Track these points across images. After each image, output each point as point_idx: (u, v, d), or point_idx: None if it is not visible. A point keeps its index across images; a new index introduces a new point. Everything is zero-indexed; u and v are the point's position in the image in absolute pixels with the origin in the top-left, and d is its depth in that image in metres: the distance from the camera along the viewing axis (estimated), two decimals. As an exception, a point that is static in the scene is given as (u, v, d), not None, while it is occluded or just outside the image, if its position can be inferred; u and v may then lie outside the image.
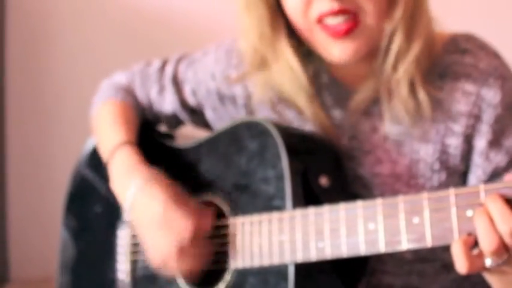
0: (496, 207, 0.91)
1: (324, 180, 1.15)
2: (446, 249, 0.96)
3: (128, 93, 1.39)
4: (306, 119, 1.22)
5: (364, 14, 1.09)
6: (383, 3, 1.09)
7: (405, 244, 1.00)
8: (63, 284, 1.43)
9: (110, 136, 1.32)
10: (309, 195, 1.13)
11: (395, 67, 1.12)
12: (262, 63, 1.19)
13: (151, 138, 1.38)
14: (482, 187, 0.94)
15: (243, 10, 1.17)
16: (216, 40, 1.34)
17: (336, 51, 1.11)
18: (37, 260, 2.55)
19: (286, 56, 1.16)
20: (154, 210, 1.19)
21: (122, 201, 1.25)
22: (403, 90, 1.13)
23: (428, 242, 0.98)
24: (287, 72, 1.17)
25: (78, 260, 1.41)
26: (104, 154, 1.32)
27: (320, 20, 1.09)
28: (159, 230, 1.19)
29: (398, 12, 1.10)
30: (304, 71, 1.18)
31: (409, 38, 1.11)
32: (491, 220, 0.91)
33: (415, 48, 1.11)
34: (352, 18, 1.08)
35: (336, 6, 1.07)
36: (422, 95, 1.13)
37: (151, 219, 1.20)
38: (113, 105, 1.38)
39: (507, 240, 0.91)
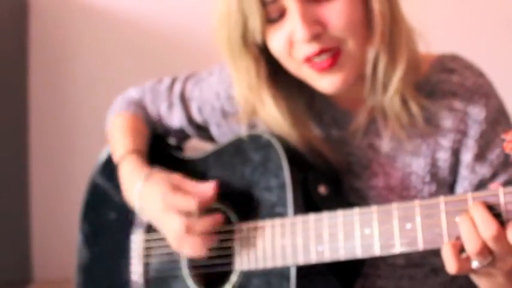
0: (479, 214, 0.91)
1: (322, 189, 1.15)
2: (435, 254, 0.96)
3: (139, 107, 1.40)
4: None
5: (345, 44, 1.07)
6: (361, 30, 1.07)
7: (398, 248, 1.00)
8: (81, 284, 1.43)
9: (119, 144, 1.33)
10: (309, 203, 1.13)
11: (385, 87, 1.11)
12: (253, 111, 1.19)
13: (162, 149, 1.39)
14: (469, 195, 0.94)
15: (230, 63, 1.15)
16: (222, 60, 1.33)
17: (325, 83, 1.09)
18: (58, 261, 2.55)
19: (268, 106, 1.15)
20: (156, 200, 1.19)
21: (132, 201, 1.26)
22: (395, 105, 1.12)
23: (420, 246, 0.98)
24: (272, 120, 1.17)
25: (94, 263, 1.41)
26: (115, 161, 1.33)
27: (308, 60, 1.08)
28: (165, 216, 1.18)
29: (377, 36, 1.07)
30: (296, 102, 1.17)
31: (392, 57, 1.09)
32: (475, 226, 0.92)
33: (401, 66, 1.09)
34: (334, 52, 1.07)
35: (316, 48, 1.06)
36: (414, 107, 1.12)
37: (156, 209, 1.19)
38: (125, 116, 1.39)
39: (490, 244, 0.91)
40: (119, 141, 1.34)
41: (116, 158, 1.33)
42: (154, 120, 1.40)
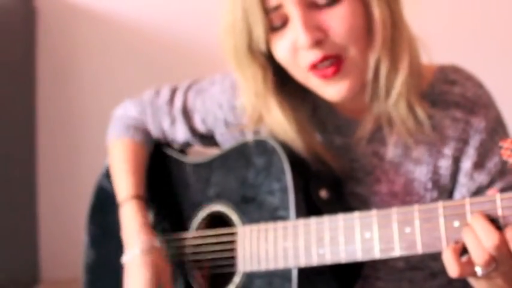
0: (480, 225, 0.92)
1: (324, 193, 1.15)
2: (434, 259, 0.96)
3: (139, 129, 1.39)
4: None
5: (347, 52, 1.06)
6: (362, 37, 1.07)
7: (398, 251, 1.00)
8: (87, 285, 1.44)
9: (121, 186, 1.34)
10: (310, 206, 1.14)
11: (387, 92, 1.11)
12: (259, 118, 1.19)
13: (166, 154, 1.39)
14: (467, 200, 0.95)
15: (237, 71, 1.15)
16: (226, 65, 1.33)
17: (331, 91, 1.09)
18: (66, 261, 2.55)
19: (275, 113, 1.15)
20: (138, 282, 1.21)
21: (126, 249, 1.28)
22: (401, 111, 1.12)
23: (419, 250, 0.98)
24: (278, 126, 1.17)
25: (100, 263, 1.42)
26: (117, 197, 1.34)
27: (314, 67, 1.07)
28: None
29: (378, 41, 1.07)
30: (302, 110, 1.17)
31: (394, 63, 1.09)
32: (478, 238, 0.92)
33: (403, 70, 1.09)
34: (337, 59, 1.06)
35: (319, 54, 1.06)
36: (420, 113, 1.12)
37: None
38: (124, 145, 1.38)
39: (494, 253, 0.92)
40: (120, 182, 1.34)
41: (117, 199, 1.33)
42: (157, 138, 1.40)
